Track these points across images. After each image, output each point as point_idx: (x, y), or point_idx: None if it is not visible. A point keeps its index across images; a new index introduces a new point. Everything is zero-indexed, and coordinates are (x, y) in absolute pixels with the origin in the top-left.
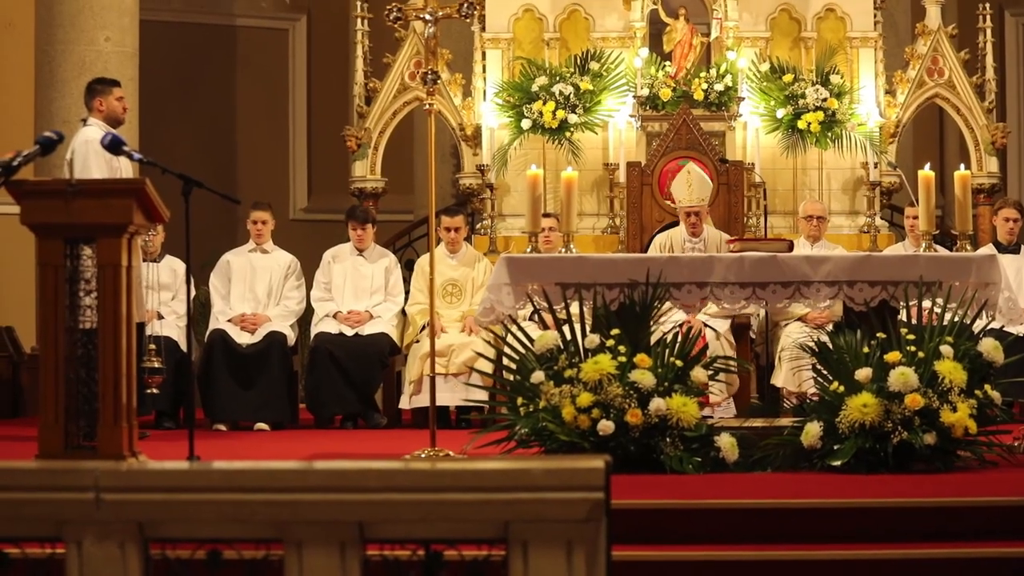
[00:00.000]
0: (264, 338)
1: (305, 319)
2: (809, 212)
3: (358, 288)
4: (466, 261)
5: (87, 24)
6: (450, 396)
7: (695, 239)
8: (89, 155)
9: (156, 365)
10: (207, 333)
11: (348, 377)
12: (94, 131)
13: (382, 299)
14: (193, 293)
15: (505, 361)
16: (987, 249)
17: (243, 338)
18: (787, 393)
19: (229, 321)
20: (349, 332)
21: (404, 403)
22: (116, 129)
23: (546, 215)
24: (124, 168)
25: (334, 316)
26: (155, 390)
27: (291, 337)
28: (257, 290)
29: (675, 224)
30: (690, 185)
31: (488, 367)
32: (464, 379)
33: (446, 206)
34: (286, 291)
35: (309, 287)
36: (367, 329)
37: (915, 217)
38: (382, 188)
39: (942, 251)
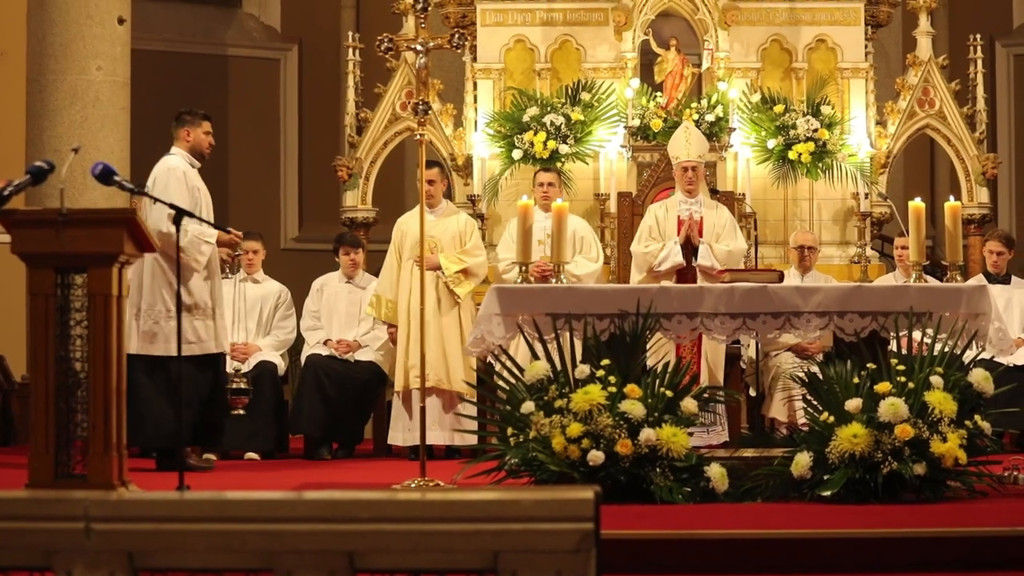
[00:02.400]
0: (255, 367)
1: (295, 348)
2: (800, 243)
3: (348, 316)
4: (444, 215)
5: (79, 53)
6: (440, 435)
7: (691, 199)
8: (171, 182)
9: (242, 386)
10: None
11: (334, 402)
12: (176, 160)
13: (371, 326)
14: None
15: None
16: (977, 280)
17: (234, 367)
18: (778, 423)
19: None
20: (341, 357)
21: (395, 439)
22: (200, 163)
23: (546, 169)
24: (204, 195)
25: (324, 343)
26: (241, 411)
27: (281, 367)
28: (248, 320)
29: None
30: (688, 141)
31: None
32: (452, 409)
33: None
34: (276, 321)
35: (299, 316)
36: (357, 355)
37: (904, 247)
38: (373, 218)
39: (933, 282)
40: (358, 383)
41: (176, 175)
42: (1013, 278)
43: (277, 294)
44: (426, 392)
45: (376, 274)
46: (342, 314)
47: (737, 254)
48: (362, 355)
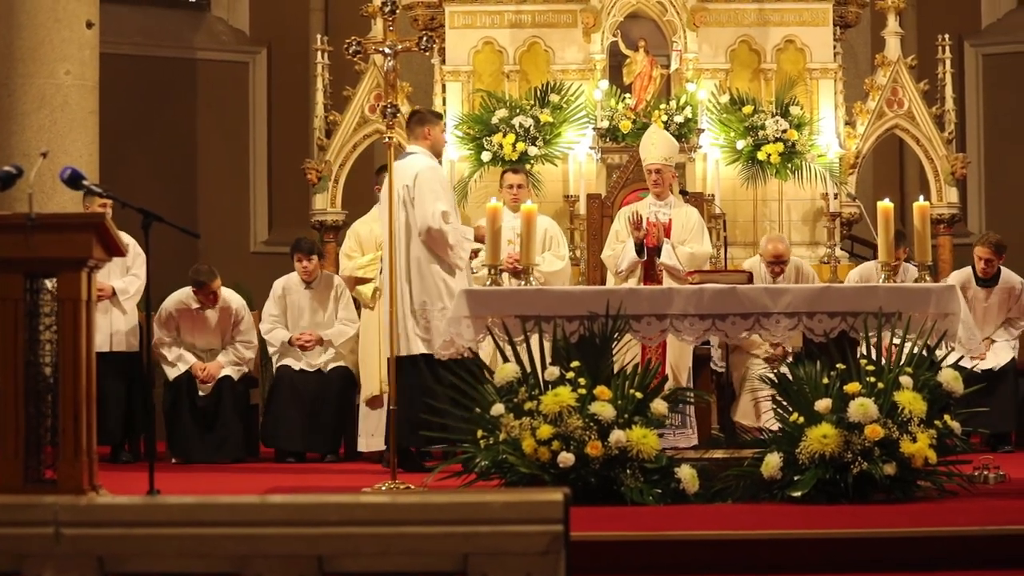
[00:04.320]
0: (215, 386)
1: (263, 348)
2: (772, 255)
3: (311, 324)
4: None
5: (47, 57)
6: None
7: (660, 202)
8: (436, 181)
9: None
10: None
11: (311, 417)
12: (430, 159)
13: (335, 324)
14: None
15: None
16: (962, 273)
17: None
18: (745, 428)
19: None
20: (311, 368)
21: (362, 445)
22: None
23: (514, 171)
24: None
25: (288, 342)
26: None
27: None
28: (209, 337)
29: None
30: (654, 144)
31: None
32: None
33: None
34: (237, 337)
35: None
36: (327, 360)
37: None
38: (343, 221)
39: (912, 270)
40: (333, 392)
41: (442, 174)
42: (1000, 278)
43: (235, 311)
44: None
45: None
46: (307, 321)
47: (700, 257)
48: (332, 361)
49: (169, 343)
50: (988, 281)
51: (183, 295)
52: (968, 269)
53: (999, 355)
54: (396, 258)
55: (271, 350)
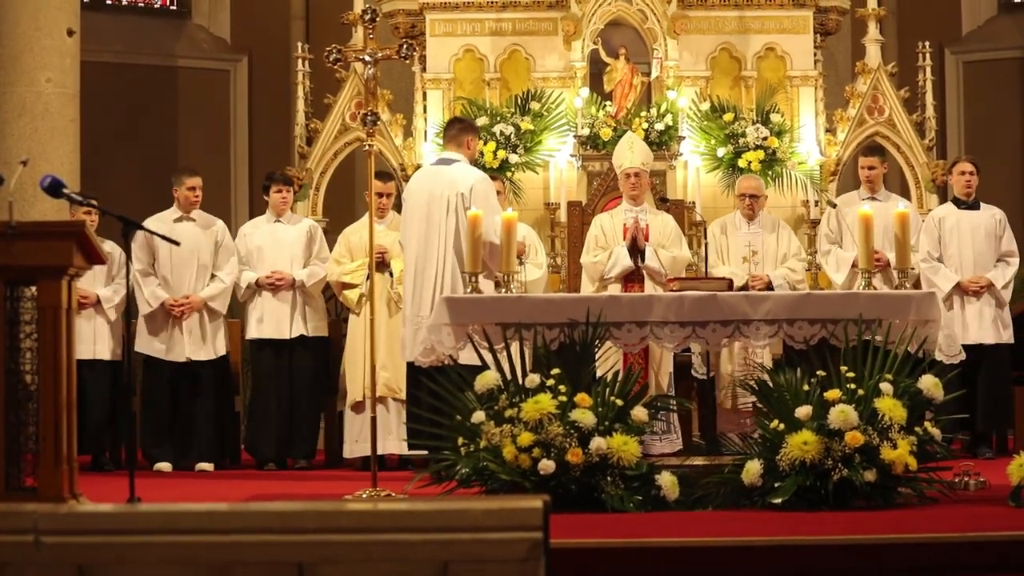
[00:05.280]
0: (193, 387)
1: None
2: (742, 190)
3: (278, 257)
4: (394, 226)
5: (28, 65)
6: (394, 445)
7: (636, 208)
8: (491, 191)
9: None
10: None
11: (286, 420)
12: (475, 169)
13: (305, 263)
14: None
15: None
16: (946, 277)
17: (175, 354)
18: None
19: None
20: (281, 337)
21: (347, 451)
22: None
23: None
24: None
25: (256, 283)
26: None
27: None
28: (187, 264)
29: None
30: (631, 149)
31: None
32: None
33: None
34: (218, 263)
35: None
36: (299, 358)
37: (870, 167)
38: (324, 228)
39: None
40: (305, 393)
41: (490, 184)
42: (982, 204)
43: (215, 232)
44: (379, 402)
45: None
46: (273, 254)
47: (681, 261)
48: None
49: (144, 270)
50: (972, 204)
51: (161, 215)
52: (948, 203)
53: (984, 327)
54: (420, 262)
55: (240, 293)
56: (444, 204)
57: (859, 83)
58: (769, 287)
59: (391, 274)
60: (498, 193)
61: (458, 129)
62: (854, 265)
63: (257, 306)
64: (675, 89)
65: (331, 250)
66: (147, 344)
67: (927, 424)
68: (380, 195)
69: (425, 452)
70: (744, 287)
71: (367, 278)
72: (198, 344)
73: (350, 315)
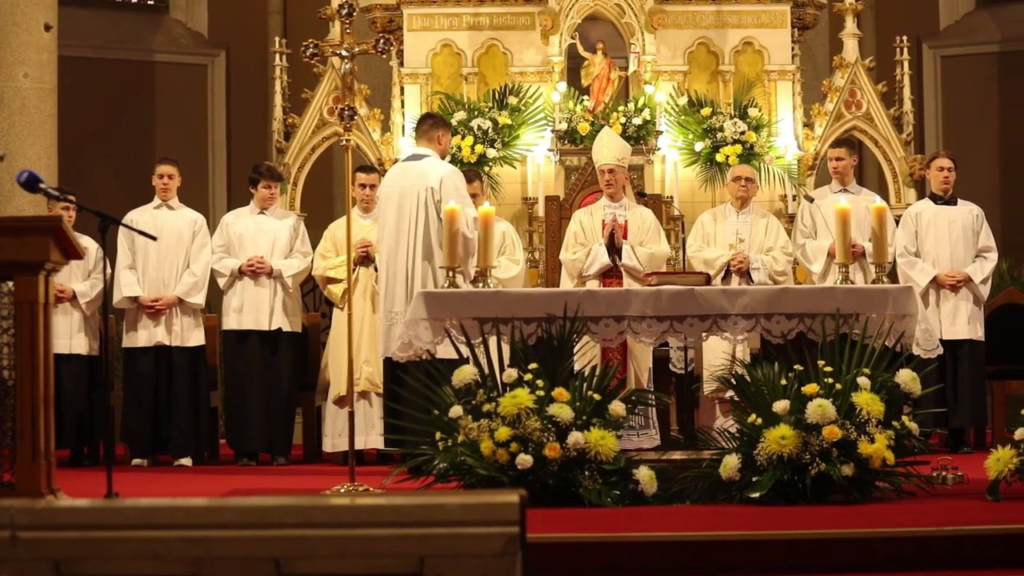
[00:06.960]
0: (170, 377)
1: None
2: (737, 173)
3: (260, 246)
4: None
5: (5, 60)
6: (373, 439)
7: (614, 203)
8: (460, 184)
9: None
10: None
11: (263, 415)
12: (445, 163)
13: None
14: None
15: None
16: (923, 272)
17: (149, 338)
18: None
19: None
20: (259, 328)
21: (327, 445)
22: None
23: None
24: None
25: (239, 270)
26: None
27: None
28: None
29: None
30: (607, 145)
31: None
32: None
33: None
34: (193, 252)
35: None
36: (278, 352)
37: (838, 159)
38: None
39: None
40: (283, 389)
41: (460, 177)
42: (959, 200)
43: (193, 222)
44: (362, 396)
45: (306, 281)
46: (253, 244)
47: (659, 257)
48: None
49: (130, 265)
50: (949, 200)
51: (145, 207)
52: (925, 199)
53: (957, 322)
54: (392, 258)
55: (221, 281)
56: (415, 199)
57: (837, 77)
58: (748, 276)
59: (376, 268)
60: (475, 196)
61: (429, 124)
62: (830, 253)
63: (237, 292)
64: (653, 83)
65: (312, 245)
66: (130, 340)
67: (905, 418)
68: (363, 186)
69: (399, 449)
70: (727, 266)
71: (353, 270)
72: (176, 336)
73: (334, 309)
